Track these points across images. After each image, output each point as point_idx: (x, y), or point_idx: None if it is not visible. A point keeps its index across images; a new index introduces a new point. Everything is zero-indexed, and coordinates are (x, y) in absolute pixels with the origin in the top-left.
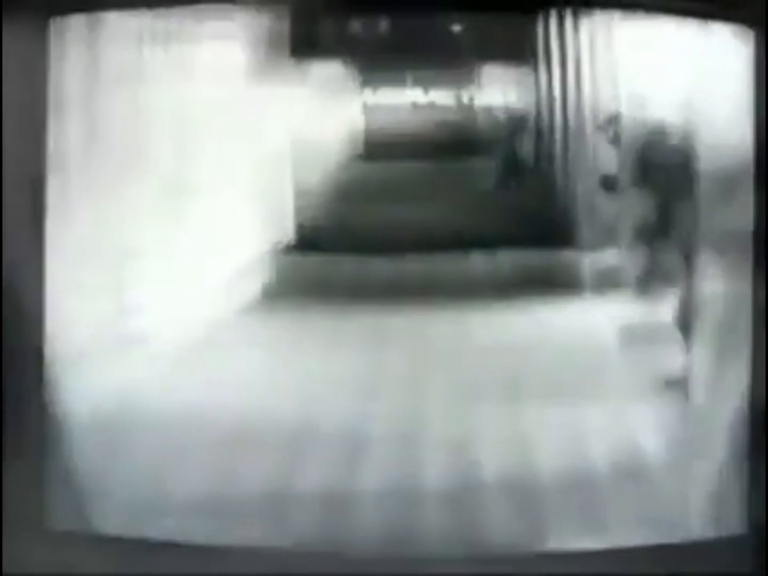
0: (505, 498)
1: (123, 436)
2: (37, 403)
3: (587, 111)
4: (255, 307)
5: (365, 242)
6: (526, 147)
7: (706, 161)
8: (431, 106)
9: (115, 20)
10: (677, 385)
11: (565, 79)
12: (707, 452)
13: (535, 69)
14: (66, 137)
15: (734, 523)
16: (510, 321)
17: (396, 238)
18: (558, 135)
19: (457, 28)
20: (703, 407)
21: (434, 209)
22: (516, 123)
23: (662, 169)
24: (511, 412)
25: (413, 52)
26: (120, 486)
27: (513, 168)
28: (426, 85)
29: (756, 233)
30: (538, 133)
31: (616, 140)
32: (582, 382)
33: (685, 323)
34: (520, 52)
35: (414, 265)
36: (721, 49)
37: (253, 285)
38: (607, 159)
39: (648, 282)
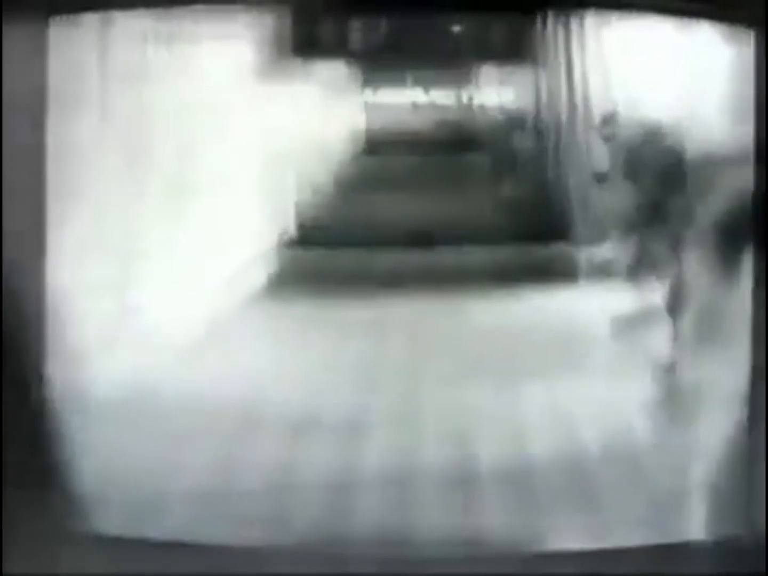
0: (500, 479)
1: (131, 426)
2: (39, 400)
3: (584, 110)
4: (262, 299)
5: (367, 236)
6: (522, 144)
7: (696, 157)
8: (431, 105)
9: (115, 20)
10: (667, 370)
11: (563, 78)
12: (698, 440)
13: (533, 69)
14: (67, 136)
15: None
16: (507, 309)
17: (397, 232)
18: (554, 133)
19: (456, 29)
20: (692, 390)
21: (434, 204)
22: (513, 121)
23: (655, 164)
24: (507, 393)
25: (413, 52)
26: (126, 478)
27: (510, 164)
28: (426, 84)
29: (757, 233)
30: (535, 131)
31: (611, 138)
32: (575, 365)
33: (676, 309)
34: (518, 52)
35: (414, 257)
36: (719, 49)
37: (260, 277)
38: (602, 156)
39: (639, 271)
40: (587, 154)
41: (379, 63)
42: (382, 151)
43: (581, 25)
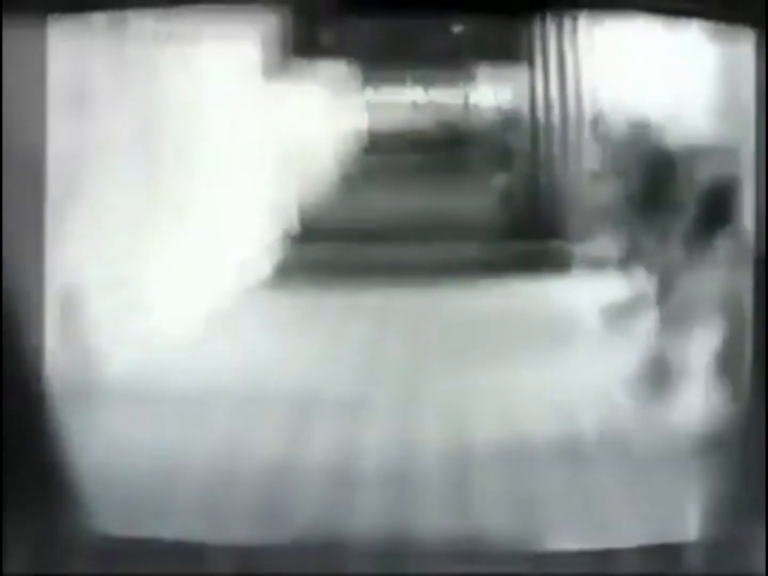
0: (496, 454)
1: (137, 423)
2: (39, 399)
3: (579, 109)
4: (268, 289)
5: (368, 230)
6: (518, 142)
7: (683, 153)
8: (431, 104)
9: (115, 20)
10: (656, 356)
11: (558, 78)
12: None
13: (530, 69)
14: (68, 136)
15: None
16: (502, 298)
17: (397, 226)
18: (551, 131)
19: (455, 30)
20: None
21: (432, 200)
22: (510, 120)
23: (644, 160)
24: (500, 372)
25: (413, 53)
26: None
27: (506, 161)
28: (426, 84)
29: (757, 232)
30: (531, 129)
31: (603, 135)
32: (565, 349)
33: (662, 296)
34: (516, 53)
35: (413, 250)
36: (710, 48)
37: (265, 269)
38: (594, 153)
39: (627, 261)
40: (580, 150)
41: (379, 63)
42: (382, 149)
43: (578, 27)
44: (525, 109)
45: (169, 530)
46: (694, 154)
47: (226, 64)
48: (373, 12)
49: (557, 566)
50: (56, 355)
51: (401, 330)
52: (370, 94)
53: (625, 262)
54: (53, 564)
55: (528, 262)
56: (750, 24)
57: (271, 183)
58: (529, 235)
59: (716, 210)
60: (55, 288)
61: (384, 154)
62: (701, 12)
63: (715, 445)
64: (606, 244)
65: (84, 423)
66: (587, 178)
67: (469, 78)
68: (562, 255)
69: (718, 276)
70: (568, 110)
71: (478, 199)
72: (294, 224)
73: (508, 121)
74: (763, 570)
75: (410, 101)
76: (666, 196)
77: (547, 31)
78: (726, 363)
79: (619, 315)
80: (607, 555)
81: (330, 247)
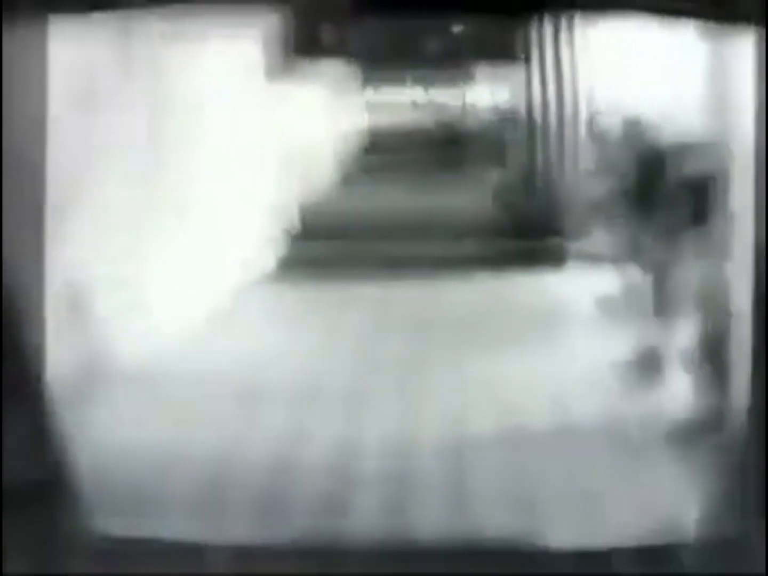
0: (494, 438)
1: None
2: (39, 398)
3: (578, 108)
4: (274, 282)
5: (368, 227)
6: (516, 140)
7: (679, 150)
8: (430, 103)
9: (116, 20)
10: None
11: (555, 77)
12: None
13: (528, 69)
14: (68, 135)
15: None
16: (500, 292)
17: (396, 222)
18: (548, 130)
19: (455, 31)
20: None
21: (431, 197)
22: (508, 119)
23: (641, 158)
24: (498, 361)
25: (414, 53)
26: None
27: (504, 159)
28: (425, 84)
29: (757, 231)
30: (528, 127)
31: (601, 135)
32: (561, 339)
33: (656, 291)
34: (513, 53)
35: (412, 246)
36: (708, 46)
37: (270, 265)
38: (590, 151)
39: (624, 257)
40: (576, 148)
41: (380, 63)
42: (382, 147)
43: (577, 28)
44: (522, 108)
45: (168, 525)
46: (685, 150)
47: (228, 63)
48: (374, 13)
49: (557, 566)
50: (59, 352)
51: (401, 321)
52: (371, 94)
53: (619, 256)
54: (53, 564)
55: (525, 258)
56: (750, 24)
57: (273, 181)
58: (525, 232)
59: (702, 204)
60: (58, 285)
61: (384, 153)
62: (700, 12)
63: (701, 429)
64: (601, 240)
65: (87, 418)
66: (583, 175)
67: (468, 78)
68: (559, 250)
69: (705, 268)
70: (564, 109)
71: (475, 196)
72: (296, 221)
73: (506, 120)
74: (764, 570)
75: (410, 101)
76: (658, 192)
77: (544, 32)
78: (710, 350)
79: (613, 306)
80: (607, 555)
81: (331, 243)
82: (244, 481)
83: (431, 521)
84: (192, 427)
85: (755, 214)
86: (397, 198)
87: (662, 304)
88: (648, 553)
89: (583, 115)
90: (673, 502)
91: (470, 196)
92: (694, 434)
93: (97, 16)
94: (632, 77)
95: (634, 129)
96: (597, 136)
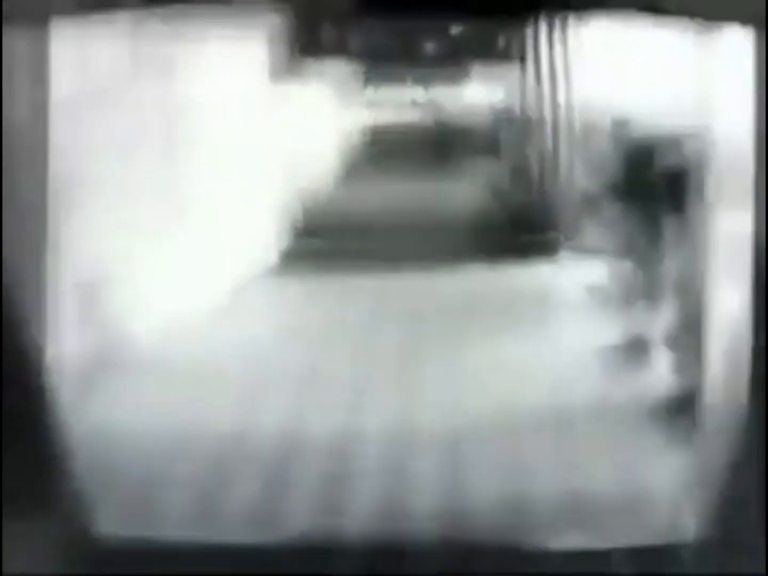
0: (489, 419)
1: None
2: (39, 397)
3: (571, 107)
4: (278, 275)
5: (370, 221)
6: (512, 138)
7: (665, 146)
8: (429, 102)
9: (116, 21)
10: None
11: (554, 79)
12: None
13: (523, 68)
14: (69, 135)
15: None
16: (496, 283)
17: (397, 217)
18: (543, 127)
19: (453, 33)
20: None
21: (430, 193)
22: (504, 117)
23: (630, 154)
24: (493, 346)
25: (414, 54)
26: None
27: (500, 156)
28: (425, 83)
29: (756, 231)
30: (524, 125)
31: (593, 132)
32: (554, 324)
33: (645, 281)
34: (509, 54)
35: (411, 240)
36: (715, 49)
37: (273, 259)
38: (583, 147)
39: (612, 248)
40: (570, 145)
41: (381, 63)
42: (382, 145)
43: (576, 28)
44: (518, 106)
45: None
46: (669, 145)
47: (232, 63)
48: (375, 14)
49: (556, 565)
50: (71, 344)
51: (399, 311)
52: (372, 93)
53: (608, 247)
54: (53, 564)
55: (519, 250)
56: (750, 24)
57: (276, 179)
58: (520, 225)
59: (683, 196)
60: (71, 281)
61: (384, 149)
62: (701, 12)
63: (681, 404)
64: (591, 232)
65: (99, 404)
66: (575, 171)
67: (466, 77)
68: (552, 243)
69: (684, 256)
70: (558, 107)
71: (472, 190)
72: (299, 217)
73: (502, 117)
74: (764, 570)
75: (410, 99)
76: (644, 186)
77: (539, 33)
78: (688, 333)
79: (603, 295)
80: (606, 555)
81: (332, 238)
82: (249, 461)
83: (429, 502)
84: (198, 410)
85: (755, 212)
86: (396, 192)
87: (648, 292)
88: (648, 553)
89: (576, 113)
90: (657, 469)
91: (467, 191)
92: (675, 409)
93: (99, 17)
94: (622, 75)
95: (622, 126)
96: (588, 133)
